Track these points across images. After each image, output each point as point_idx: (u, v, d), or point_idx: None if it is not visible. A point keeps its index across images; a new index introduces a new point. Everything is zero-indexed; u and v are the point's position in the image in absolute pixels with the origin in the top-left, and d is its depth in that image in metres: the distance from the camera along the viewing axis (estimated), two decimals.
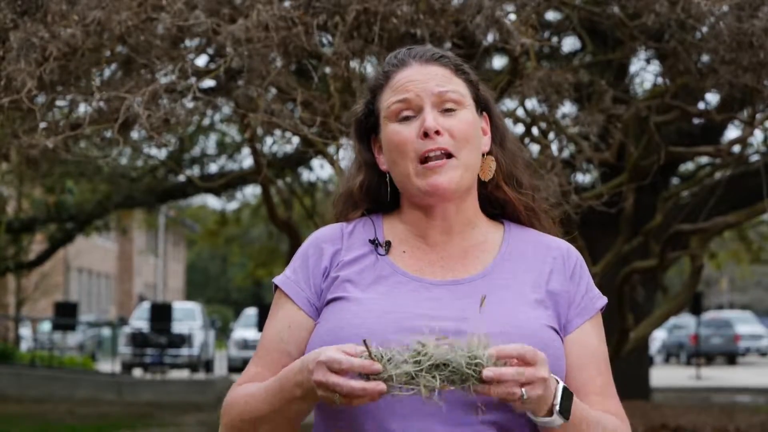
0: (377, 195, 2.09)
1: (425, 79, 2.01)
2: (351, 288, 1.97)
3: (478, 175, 2.05)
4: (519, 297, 1.97)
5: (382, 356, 1.75)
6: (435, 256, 2.02)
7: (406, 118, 2.00)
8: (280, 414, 1.89)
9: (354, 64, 5.73)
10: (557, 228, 2.14)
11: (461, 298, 1.95)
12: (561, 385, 1.84)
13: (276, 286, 2.07)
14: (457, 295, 1.95)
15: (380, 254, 2.03)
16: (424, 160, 1.97)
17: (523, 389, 1.76)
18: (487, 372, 1.73)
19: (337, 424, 1.92)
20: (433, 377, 1.73)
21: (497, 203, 2.09)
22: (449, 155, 1.97)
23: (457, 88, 2.02)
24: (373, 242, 2.04)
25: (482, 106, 2.09)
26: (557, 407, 1.82)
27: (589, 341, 2.01)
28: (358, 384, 1.74)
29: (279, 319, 2.03)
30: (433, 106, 1.99)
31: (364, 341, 1.77)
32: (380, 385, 1.73)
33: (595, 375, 1.99)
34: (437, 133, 1.97)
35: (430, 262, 2.02)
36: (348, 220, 2.10)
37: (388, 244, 2.04)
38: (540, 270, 2.02)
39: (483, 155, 2.05)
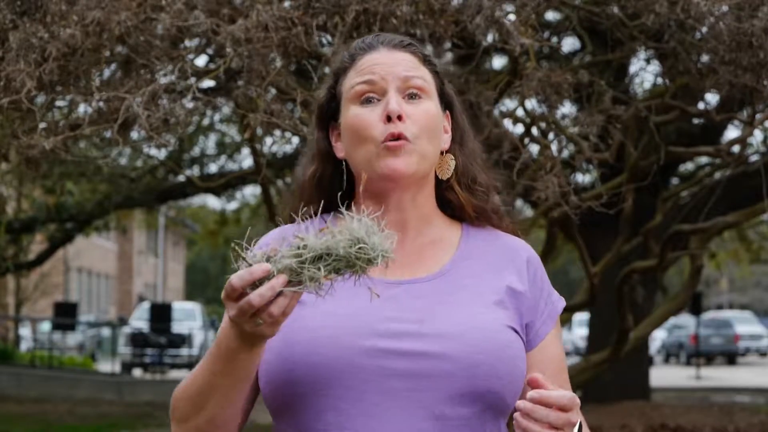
0: (330, 189, 2.01)
1: (392, 63, 1.96)
2: None
3: (436, 174, 2.00)
4: (478, 297, 1.92)
5: (259, 259, 1.67)
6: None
7: (369, 101, 1.95)
8: (228, 377, 1.80)
9: None
10: (515, 231, 2.07)
11: (420, 297, 1.90)
12: (579, 421, 1.79)
13: None
14: (415, 294, 1.90)
15: None
16: (383, 143, 1.92)
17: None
18: (534, 393, 1.72)
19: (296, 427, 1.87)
20: (317, 268, 1.65)
21: (448, 204, 2.04)
22: (406, 140, 1.92)
23: (423, 76, 1.97)
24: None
25: (445, 102, 2.03)
26: None
27: (553, 351, 1.97)
28: (258, 291, 1.65)
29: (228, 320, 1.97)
30: (397, 90, 1.94)
31: (235, 249, 1.71)
32: (280, 277, 1.65)
33: (560, 385, 1.92)
34: (399, 118, 1.92)
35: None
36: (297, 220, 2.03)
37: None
38: (499, 269, 1.97)
39: (442, 153, 2.00)
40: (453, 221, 2.03)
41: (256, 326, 1.68)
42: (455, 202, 2.02)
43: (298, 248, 1.67)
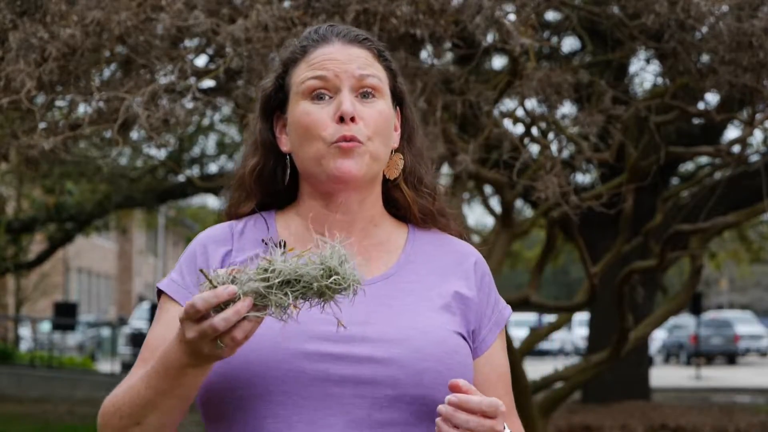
0: (271, 183, 1.94)
1: (346, 60, 1.87)
2: None
3: (384, 173, 1.93)
4: (424, 301, 1.86)
5: (224, 280, 1.60)
6: None
7: (320, 97, 1.86)
8: (170, 395, 1.71)
9: None
10: (461, 231, 2.01)
11: (364, 300, 1.78)
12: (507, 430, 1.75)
13: (160, 291, 1.90)
14: (360, 297, 1.75)
15: None
16: (333, 144, 1.84)
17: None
18: (452, 398, 1.67)
19: None
20: (285, 294, 1.58)
21: (393, 203, 1.96)
22: (358, 142, 1.84)
23: (378, 74, 1.89)
24: (266, 242, 1.89)
25: (397, 99, 1.95)
26: None
27: (499, 360, 1.92)
28: (223, 315, 1.57)
29: (165, 322, 1.85)
30: (351, 89, 1.86)
31: (201, 270, 1.65)
32: (246, 301, 1.57)
33: (502, 395, 1.88)
34: (353, 119, 1.83)
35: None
36: (238, 215, 1.95)
37: (283, 243, 1.85)
38: (446, 274, 1.91)
39: (392, 152, 1.93)
40: (399, 223, 1.97)
41: (216, 349, 1.61)
42: (401, 201, 1.95)
43: (266, 271, 1.59)
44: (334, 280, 1.58)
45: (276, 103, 1.94)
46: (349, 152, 1.83)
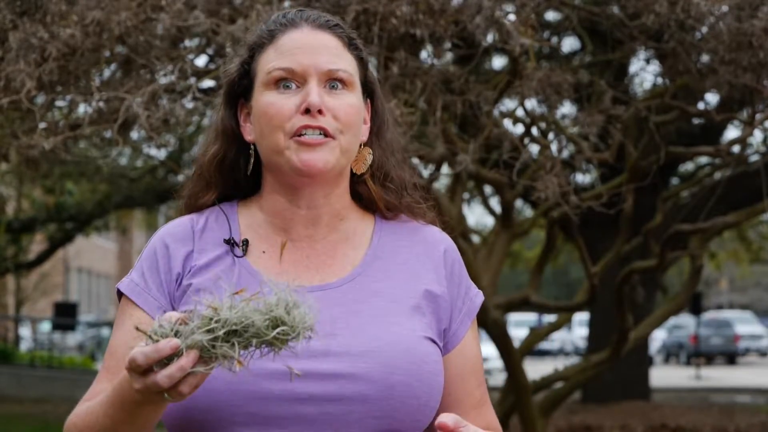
0: (232, 173, 1.85)
1: (315, 49, 1.79)
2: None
3: (351, 167, 1.85)
4: (392, 305, 1.78)
5: (167, 332, 1.51)
6: (300, 254, 1.81)
7: (286, 87, 1.78)
8: (129, 424, 1.63)
9: None
10: (433, 221, 1.92)
11: (330, 307, 1.72)
12: None
13: (120, 293, 1.82)
14: (325, 303, 1.69)
15: (237, 256, 1.80)
16: (298, 134, 1.76)
17: None
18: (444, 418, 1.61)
19: None
20: (231, 345, 1.49)
21: (359, 196, 1.88)
22: (328, 136, 1.77)
23: (347, 66, 1.81)
24: (229, 242, 1.81)
25: (368, 90, 1.87)
26: None
27: (471, 351, 1.84)
28: (167, 371, 1.49)
29: (128, 329, 1.75)
30: (319, 81, 1.78)
31: (136, 327, 1.55)
32: (190, 355, 1.49)
33: (474, 387, 1.83)
34: (320, 112, 1.76)
35: (295, 262, 1.80)
36: (198, 207, 1.86)
37: (246, 243, 1.80)
38: (415, 271, 1.83)
39: (360, 145, 1.85)
40: (366, 214, 1.89)
41: (165, 399, 1.53)
42: (366, 195, 1.88)
43: (211, 320, 1.49)
44: (282, 330, 1.49)
45: (240, 90, 1.85)
46: (316, 147, 1.75)
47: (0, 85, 5.06)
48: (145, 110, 5.10)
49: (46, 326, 26.50)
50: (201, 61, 6.93)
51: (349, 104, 1.79)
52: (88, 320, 33.46)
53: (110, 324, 29.98)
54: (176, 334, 1.51)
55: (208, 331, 1.49)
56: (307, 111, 1.76)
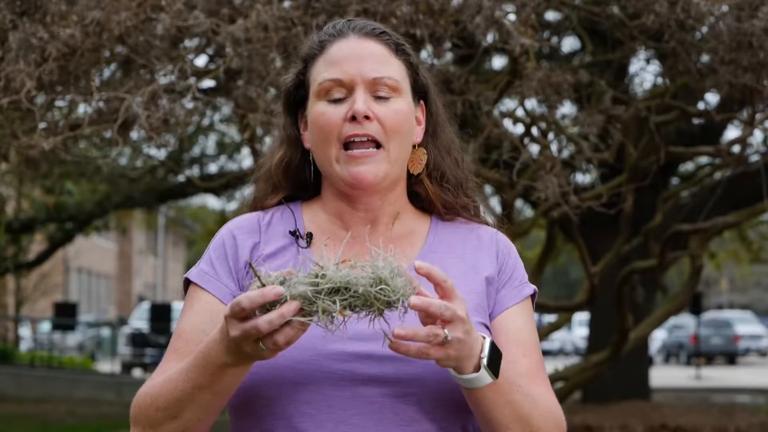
0: (298, 176, 1.94)
1: (362, 58, 1.86)
2: None
3: (407, 167, 1.92)
4: None
5: (274, 280, 1.56)
6: (360, 248, 1.85)
7: (336, 98, 1.85)
8: (209, 390, 1.69)
9: None
10: (487, 222, 1.99)
11: None
12: (489, 339, 1.69)
13: (188, 282, 1.89)
14: None
15: (301, 247, 1.88)
16: (347, 145, 1.83)
17: (446, 329, 1.60)
18: (415, 299, 1.58)
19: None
20: (333, 301, 1.54)
21: (417, 196, 1.96)
22: (377, 145, 1.84)
23: (394, 73, 1.87)
24: (294, 234, 1.90)
25: (420, 92, 1.94)
26: (485, 360, 1.67)
27: (512, 324, 1.86)
28: (268, 316, 1.55)
29: (197, 312, 1.85)
30: (366, 89, 1.85)
31: (250, 264, 1.63)
32: (292, 304, 1.54)
33: (519, 356, 1.83)
34: (367, 117, 1.82)
35: (355, 255, 1.81)
36: (264, 207, 1.95)
37: (310, 235, 1.89)
38: (471, 259, 1.90)
39: (414, 146, 1.92)
40: (422, 214, 1.96)
41: (258, 351, 1.59)
42: (424, 195, 1.95)
43: (316, 276, 1.55)
44: (382, 289, 1.54)
45: (297, 99, 1.94)
46: (364, 159, 1.83)
47: (0, 85, 5.06)
48: (144, 110, 5.10)
49: (46, 326, 26.50)
50: (201, 61, 6.94)
51: (395, 110, 1.85)
52: (88, 320, 33.44)
53: (110, 324, 29.99)
54: (282, 284, 1.56)
55: (312, 284, 1.54)
56: (354, 118, 1.82)
